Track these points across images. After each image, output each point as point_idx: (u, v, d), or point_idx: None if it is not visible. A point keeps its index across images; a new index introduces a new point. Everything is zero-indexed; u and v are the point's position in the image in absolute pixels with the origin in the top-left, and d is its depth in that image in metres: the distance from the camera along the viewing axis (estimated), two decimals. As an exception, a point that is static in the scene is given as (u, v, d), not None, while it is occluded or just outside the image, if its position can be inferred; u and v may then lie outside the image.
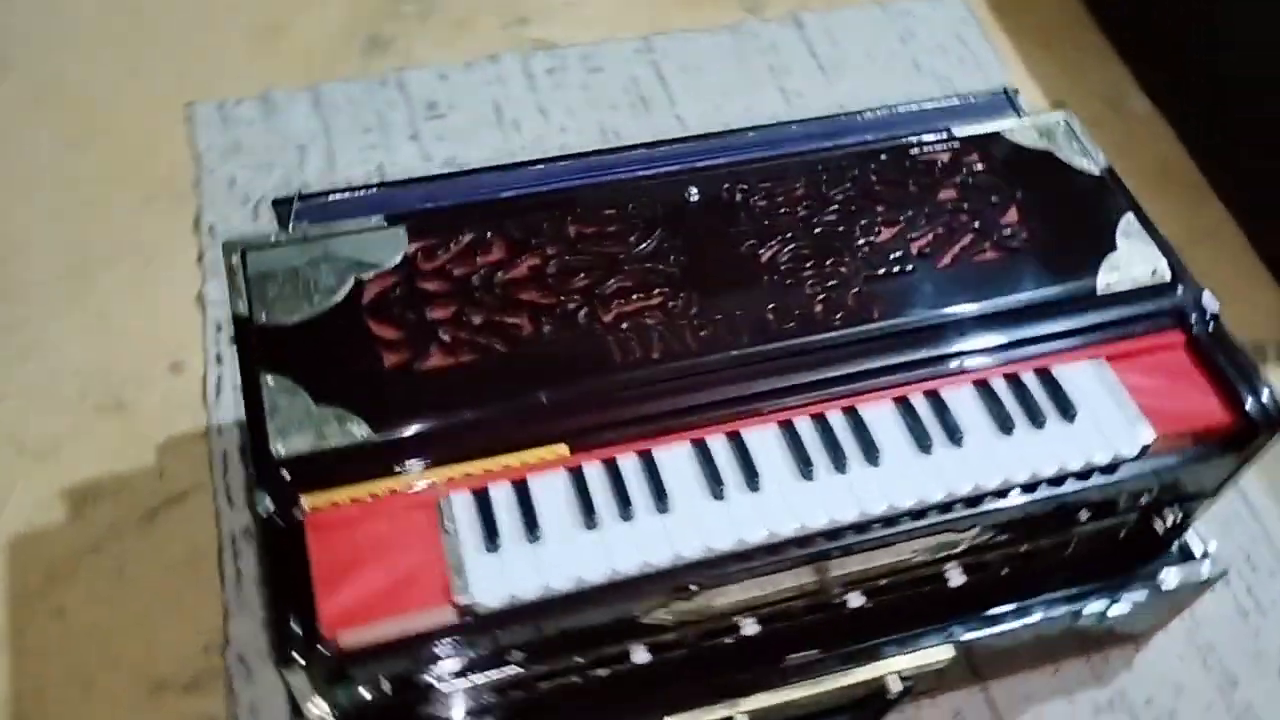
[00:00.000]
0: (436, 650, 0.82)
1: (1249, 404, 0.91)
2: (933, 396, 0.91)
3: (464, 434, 0.86)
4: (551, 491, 0.85)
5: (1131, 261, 0.98)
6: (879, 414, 0.90)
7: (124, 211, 1.46)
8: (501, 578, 0.80)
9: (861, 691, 0.98)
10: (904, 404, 0.91)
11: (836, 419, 0.89)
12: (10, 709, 1.08)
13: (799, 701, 0.95)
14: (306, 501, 0.82)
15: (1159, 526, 1.03)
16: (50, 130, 1.53)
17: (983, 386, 0.92)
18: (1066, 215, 1.02)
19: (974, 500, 0.88)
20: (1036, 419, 0.90)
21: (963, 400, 0.91)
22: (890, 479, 0.87)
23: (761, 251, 0.97)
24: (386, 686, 0.85)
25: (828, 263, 0.96)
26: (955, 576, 0.96)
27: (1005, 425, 0.90)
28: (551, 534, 0.83)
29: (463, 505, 0.84)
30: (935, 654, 0.97)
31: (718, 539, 0.83)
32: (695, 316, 0.92)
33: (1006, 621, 0.99)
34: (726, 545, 0.83)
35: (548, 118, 1.58)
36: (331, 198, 0.99)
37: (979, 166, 1.04)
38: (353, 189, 1.00)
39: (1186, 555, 1.04)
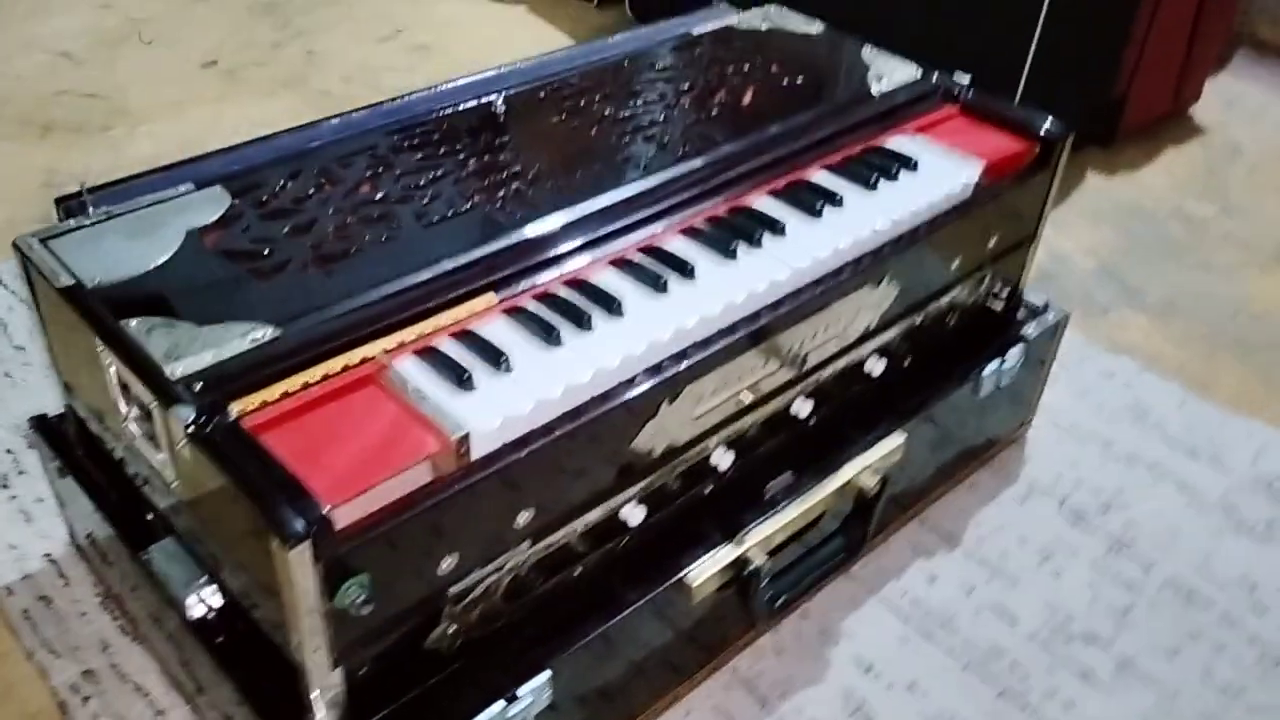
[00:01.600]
0: (440, 520, 0.70)
1: (1040, 128, 1.04)
2: (801, 184, 0.96)
3: (381, 308, 0.77)
4: (500, 331, 0.78)
5: (887, 72, 1.10)
6: (765, 204, 0.93)
7: None
8: (488, 405, 0.72)
9: (844, 502, 0.95)
10: (782, 192, 0.94)
11: (732, 217, 0.91)
12: None
13: (794, 522, 0.90)
14: (234, 407, 0.69)
15: (999, 304, 1.12)
16: None
17: (835, 167, 0.98)
18: (820, 63, 1.14)
19: (878, 251, 0.92)
20: (889, 174, 0.97)
21: (825, 180, 0.96)
22: (801, 241, 0.89)
23: (592, 132, 0.99)
24: (395, 613, 0.70)
25: (651, 124, 1.00)
26: (876, 366, 0.98)
27: (869, 183, 0.96)
28: (520, 360, 0.75)
29: (412, 365, 0.74)
30: (889, 444, 0.96)
31: (681, 317, 0.80)
32: (561, 178, 0.92)
33: (934, 398, 1.02)
34: (691, 323, 0.80)
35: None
36: (126, 183, 0.88)
37: (734, 47, 1.14)
38: (148, 171, 0.90)
39: (1034, 312, 1.13)
